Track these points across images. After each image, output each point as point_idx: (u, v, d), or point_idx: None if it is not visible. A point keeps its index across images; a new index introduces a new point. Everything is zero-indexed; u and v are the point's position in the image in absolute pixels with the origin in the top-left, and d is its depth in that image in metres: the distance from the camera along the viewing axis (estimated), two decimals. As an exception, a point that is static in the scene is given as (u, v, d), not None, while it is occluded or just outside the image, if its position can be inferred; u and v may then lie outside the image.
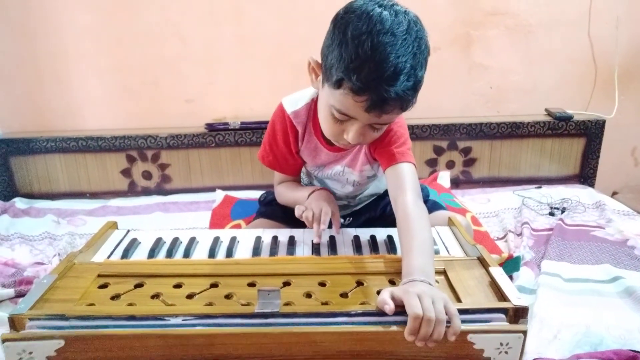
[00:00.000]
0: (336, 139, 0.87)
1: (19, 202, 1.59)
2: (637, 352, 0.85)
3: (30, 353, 0.62)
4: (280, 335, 0.63)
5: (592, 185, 1.72)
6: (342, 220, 1.12)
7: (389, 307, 0.63)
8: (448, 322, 0.62)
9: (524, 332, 0.63)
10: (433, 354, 0.64)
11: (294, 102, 0.97)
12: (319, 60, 0.83)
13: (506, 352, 0.63)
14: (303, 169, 1.09)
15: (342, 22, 0.75)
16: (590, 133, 1.68)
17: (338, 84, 0.76)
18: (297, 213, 0.93)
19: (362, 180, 1.03)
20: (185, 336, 0.63)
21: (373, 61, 0.71)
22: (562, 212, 1.48)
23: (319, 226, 0.88)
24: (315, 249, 0.88)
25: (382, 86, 0.72)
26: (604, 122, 1.68)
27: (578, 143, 1.69)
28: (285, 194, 1.07)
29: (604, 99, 1.73)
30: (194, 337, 0.63)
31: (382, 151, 0.92)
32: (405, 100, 0.76)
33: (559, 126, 1.67)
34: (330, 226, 0.92)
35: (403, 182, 0.86)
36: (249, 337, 0.63)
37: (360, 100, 0.75)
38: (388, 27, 0.72)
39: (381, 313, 0.64)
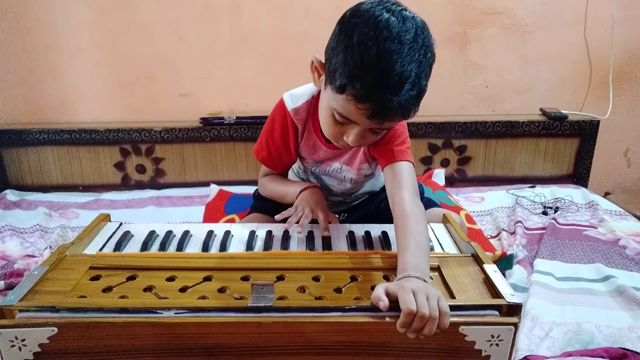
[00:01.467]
0: (335, 139, 0.86)
1: (10, 194, 1.58)
2: (627, 350, 0.85)
3: (23, 340, 0.61)
4: (273, 325, 0.63)
5: (585, 185, 1.73)
6: (336, 216, 1.12)
7: (384, 303, 0.63)
8: None
9: (515, 325, 0.64)
10: (425, 345, 0.64)
11: (295, 99, 0.96)
12: (323, 60, 0.82)
13: (497, 345, 0.64)
14: (300, 166, 1.08)
15: (348, 26, 0.74)
16: (584, 133, 1.69)
17: (341, 89, 0.75)
18: (282, 216, 0.93)
19: (360, 178, 1.03)
20: (178, 325, 0.63)
21: (378, 69, 0.71)
22: (555, 211, 1.48)
23: (307, 220, 0.90)
24: (310, 244, 0.88)
25: (385, 95, 0.72)
26: (598, 122, 1.69)
27: (572, 143, 1.70)
28: (271, 186, 1.07)
29: (599, 100, 1.74)
30: (188, 326, 0.63)
31: (381, 149, 0.92)
32: (408, 109, 0.76)
33: (553, 126, 1.68)
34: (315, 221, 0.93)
35: (401, 180, 0.86)
36: (241, 327, 0.63)
37: (362, 108, 0.74)
38: (395, 34, 0.70)
39: (375, 308, 0.64)
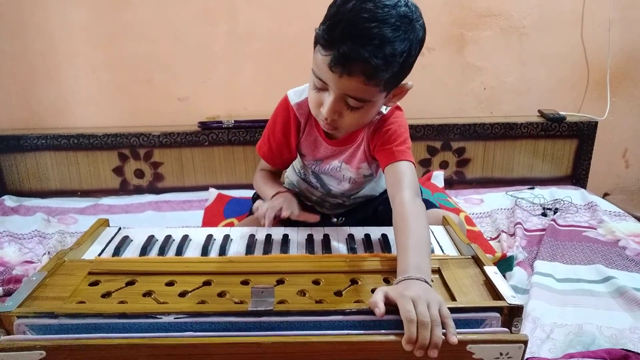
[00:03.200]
0: (315, 112, 0.87)
1: (8, 200, 1.57)
2: (629, 351, 0.85)
3: None
4: (274, 346, 0.61)
5: (584, 186, 1.73)
6: (334, 219, 1.12)
7: (379, 311, 0.61)
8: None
9: (525, 342, 0.62)
10: None
11: (299, 94, 0.97)
12: None
13: (506, 363, 0.62)
14: (301, 164, 1.08)
15: None
16: (583, 134, 1.69)
17: (315, 41, 0.78)
18: (254, 207, 0.94)
19: (359, 178, 1.03)
20: (174, 347, 0.60)
21: (348, 20, 0.73)
22: (555, 212, 1.48)
23: (272, 212, 0.90)
24: (309, 247, 0.87)
25: (347, 42, 0.73)
26: (596, 123, 1.69)
27: (570, 144, 1.71)
28: (258, 183, 1.08)
29: (597, 101, 1.74)
30: (183, 348, 0.60)
31: (381, 149, 0.92)
32: (370, 68, 0.74)
33: (551, 127, 1.68)
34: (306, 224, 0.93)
35: (401, 180, 0.86)
36: (241, 348, 0.61)
37: (326, 55, 0.76)
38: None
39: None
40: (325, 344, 0.61)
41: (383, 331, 0.62)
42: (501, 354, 0.62)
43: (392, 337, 0.61)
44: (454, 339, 0.59)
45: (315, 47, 0.79)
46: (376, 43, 0.73)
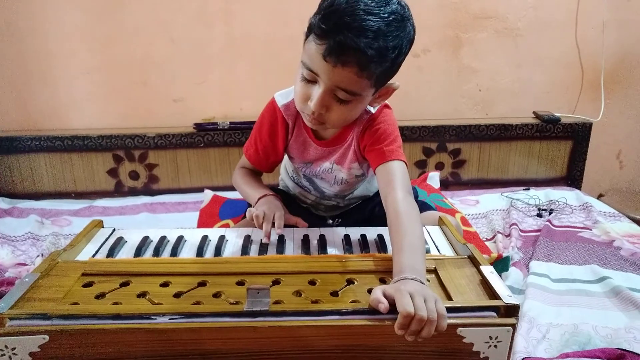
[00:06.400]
0: (302, 106, 0.86)
1: (1, 202, 1.56)
2: (624, 350, 0.85)
3: (13, 349, 0.60)
4: (269, 330, 0.62)
5: (578, 187, 1.74)
6: (330, 221, 1.12)
7: (384, 305, 0.62)
8: None
9: (513, 326, 0.63)
10: (423, 348, 0.64)
11: (286, 95, 0.97)
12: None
13: (495, 346, 0.63)
14: (292, 167, 1.08)
15: None
16: (577, 136, 1.70)
17: (308, 31, 0.79)
18: (247, 215, 0.92)
19: (351, 179, 1.02)
20: (172, 331, 0.62)
21: (343, 11, 0.74)
22: (550, 213, 1.49)
23: (269, 225, 0.88)
24: (305, 247, 0.87)
25: (343, 32, 0.73)
26: (590, 125, 1.70)
27: (565, 146, 1.71)
28: (239, 182, 1.07)
29: (591, 103, 1.75)
30: (182, 332, 0.62)
31: (371, 150, 0.91)
32: (365, 59, 0.75)
33: (546, 129, 1.69)
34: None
35: (393, 179, 0.86)
36: (237, 332, 0.62)
37: (321, 44, 0.76)
38: None
39: (371, 311, 0.64)
40: (319, 327, 0.62)
41: (375, 316, 0.63)
42: (490, 337, 0.63)
43: (384, 322, 0.62)
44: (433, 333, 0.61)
45: (307, 37, 0.79)
46: (370, 35, 0.74)
